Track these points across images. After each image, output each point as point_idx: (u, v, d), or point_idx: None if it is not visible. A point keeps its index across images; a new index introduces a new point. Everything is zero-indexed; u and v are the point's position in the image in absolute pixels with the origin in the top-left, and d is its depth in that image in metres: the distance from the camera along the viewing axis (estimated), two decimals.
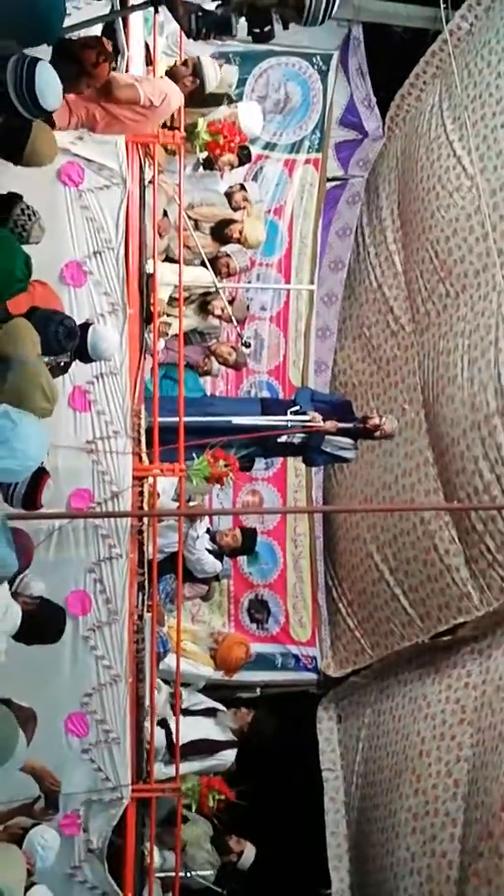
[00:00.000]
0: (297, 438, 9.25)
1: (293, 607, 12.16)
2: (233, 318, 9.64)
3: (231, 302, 9.86)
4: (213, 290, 9.57)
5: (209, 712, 9.09)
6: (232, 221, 9.82)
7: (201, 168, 10.12)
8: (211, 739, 8.97)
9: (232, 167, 9.97)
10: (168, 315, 9.16)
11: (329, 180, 12.37)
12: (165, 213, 9.09)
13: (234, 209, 9.97)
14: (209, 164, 9.99)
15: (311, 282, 12.02)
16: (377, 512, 11.24)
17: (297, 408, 9.40)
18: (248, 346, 10.99)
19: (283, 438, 9.25)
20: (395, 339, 11.74)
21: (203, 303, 9.78)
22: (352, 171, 12.46)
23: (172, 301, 9.11)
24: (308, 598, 12.26)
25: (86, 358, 6.50)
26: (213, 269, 9.46)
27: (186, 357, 9.72)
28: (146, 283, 8.38)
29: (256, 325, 12.12)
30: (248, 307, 10.79)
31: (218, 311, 9.64)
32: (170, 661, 8.45)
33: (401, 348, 11.60)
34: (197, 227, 9.75)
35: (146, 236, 8.33)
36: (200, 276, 9.52)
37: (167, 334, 9.36)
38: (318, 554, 12.38)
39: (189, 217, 9.38)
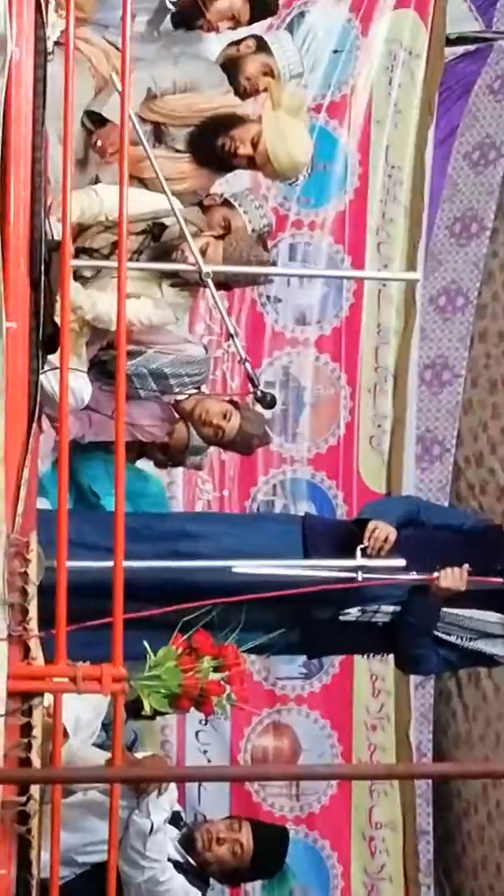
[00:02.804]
0: (383, 613, 6.15)
1: None
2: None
3: (224, 235, 6.32)
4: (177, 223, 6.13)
5: None
6: (237, 120, 6.51)
7: (168, 21, 6.84)
8: None
9: (236, 20, 6.72)
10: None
11: (451, 42, 8.44)
12: (94, 114, 6.17)
13: (243, 95, 6.69)
14: (188, 18, 6.80)
15: (412, 267, 8.35)
16: None
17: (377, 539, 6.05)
18: (268, 400, 6.73)
19: (353, 612, 6.06)
20: None
21: (160, 243, 6.40)
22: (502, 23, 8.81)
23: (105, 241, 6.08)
24: None
25: None
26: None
27: (133, 427, 6.53)
28: (46, 262, 5.06)
29: (288, 356, 8.41)
30: (263, 250, 6.74)
31: (198, 250, 6.11)
32: None
33: None
34: (160, 136, 6.48)
35: (49, 158, 5.04)
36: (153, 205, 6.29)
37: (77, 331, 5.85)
38: (422, 868, 8.26)
39: (143, 118, 6.31)
